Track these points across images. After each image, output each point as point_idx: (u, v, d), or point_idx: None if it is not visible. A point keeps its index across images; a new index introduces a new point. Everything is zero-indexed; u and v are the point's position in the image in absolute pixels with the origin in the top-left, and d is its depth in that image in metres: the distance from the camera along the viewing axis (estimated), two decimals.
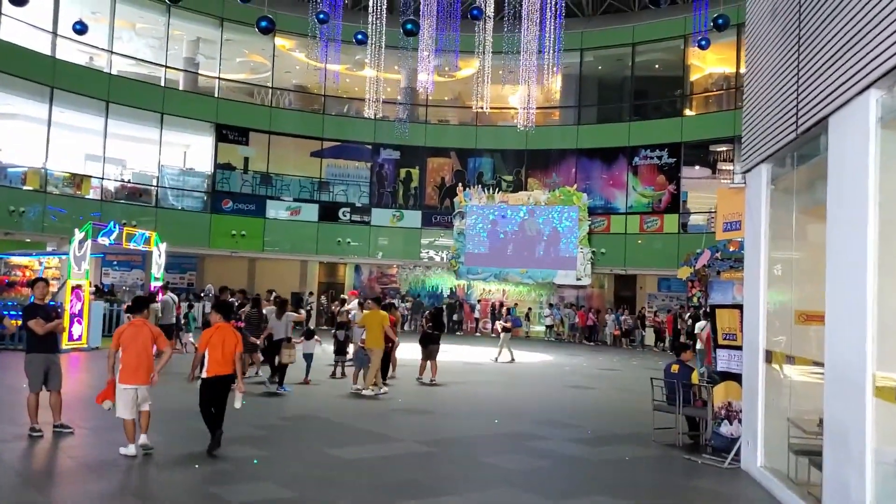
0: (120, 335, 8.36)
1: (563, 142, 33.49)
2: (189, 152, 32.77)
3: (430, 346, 16.09)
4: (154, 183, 30.03)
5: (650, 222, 31.58)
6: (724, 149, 30.90)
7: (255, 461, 8.07)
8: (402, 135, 32.40)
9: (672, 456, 9.40)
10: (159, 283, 20.93)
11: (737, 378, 9.04)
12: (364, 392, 13.55)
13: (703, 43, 22.95)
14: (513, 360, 21.20)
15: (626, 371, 20.59)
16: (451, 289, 35.17)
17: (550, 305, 32.98)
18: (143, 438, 8.31)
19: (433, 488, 7.42)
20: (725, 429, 9.09)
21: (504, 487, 7.46)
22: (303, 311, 20.53)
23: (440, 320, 16.71)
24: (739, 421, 8.87)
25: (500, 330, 22.41)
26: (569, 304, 33.22)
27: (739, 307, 9.05)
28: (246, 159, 32.44)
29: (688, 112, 32.04)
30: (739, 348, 9.00)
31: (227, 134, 31.36)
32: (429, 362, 16.10)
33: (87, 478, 7.32)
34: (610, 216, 32.44)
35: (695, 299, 29.40)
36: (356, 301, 18.55)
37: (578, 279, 32.10)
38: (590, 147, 33.06)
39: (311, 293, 32.99)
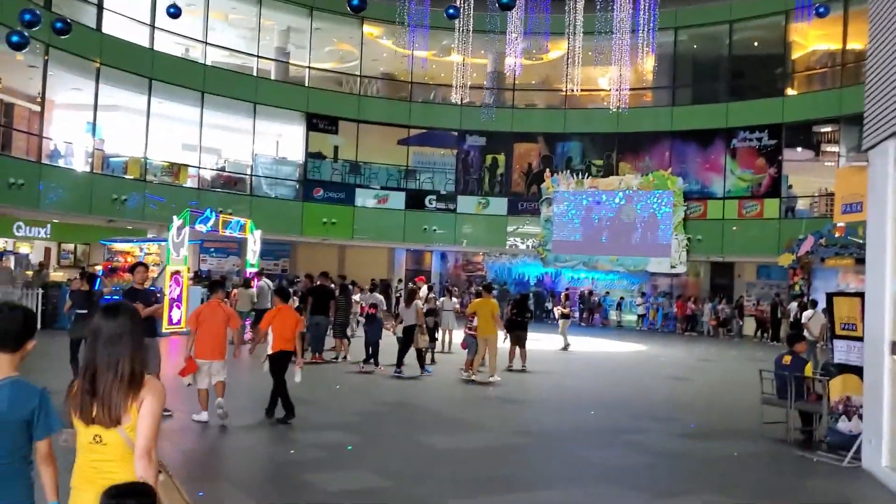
0: (197, 315, 9.18)
1: (657, 124, 32.41)
2: (281, 141, 33.28)
3: (517, 333, 15.82)
4: (248, 172, 30.64)
5: (749, 207, 30.29)
6: (829, 130, 29.35)
7: (350, 448, 7.97)
8: (488, 120, 32.02)
9: (783, 453, 8.84)
10: (254, 270, 21.30)
11: (856, 371, 8.39)
12: (492, 379, 13.63)
13: (822, 10, 21.53)
14: (566, 346, 20.56)
15: (725, 362, 19.80)
16: (537, 277, 34.72)
17: (643, 294, 32.10)
18: (219, 402, 8.96)
19: (531, 482, 7.14)
20: (843, 425, 8.47)
21: (605, 484, 7.12)
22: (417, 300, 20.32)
23: (525, 306, 16.38)
24: (860, 417, 8.24)
25: (558, 316, 21.81)
26: (662, 292, 32.26)
27: (861, 295, 8.37)
28: (335, 148, 32.75)
29: (789, 91, 30.53)
30: (860, 339, 8.34)
31: (317, 123, 31.67)
32: (518, 349, 15.85)
33: (184, 464, 7.35)
34: (706, 201, 31.26)
35: (797, 287, 28.32)
36: (425, 287, 18.54)
37: (673, 267, 31.09)
38: (685, 129, 31.88)
39: (399, 280, 33.10)
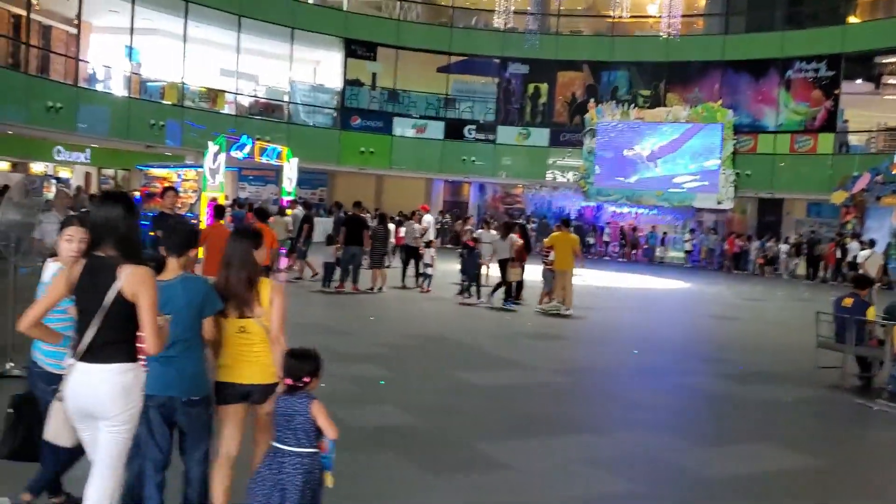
0: (205, 236, 9.00)
1: (708, 53, 31.06)
2: (319, 68, 32.69)
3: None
4: (285, 99, 30.17)
5: (802, 142, 29.11)
6: (892, 60, 27.81)
7: (382, 382, 7.69)
8: (531, 47, 30.92)
9: (840, 400, 8.37)
10: (290, 198, 21.02)
11: None
12: (563, 311, 13.65)
13: None
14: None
15: (772, 302, 19.20)
16: (578, 211, 34.01)
17: (692, 230, 31.25)
18: None
19: (571, 423, 6.80)
20: None
21: (649, 429, 6.72)
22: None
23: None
24: None
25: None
26: (710, 228, 31.35)
27: None
28: (374, 75, 32.03)
29: (851, 19, 28.88)
30: None
31: (355, 49, 30.94)
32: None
33: None
34: (757, 135, 30.10)
35: (849, 226, 27.30)
36: (429, 216, 18.15)
37: (719, 202, 30.18)
38: (737, 59, 30.50)
39: (440, 212, 32.63)
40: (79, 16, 23.23)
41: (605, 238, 32.58)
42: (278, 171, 23.54)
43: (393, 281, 16.01)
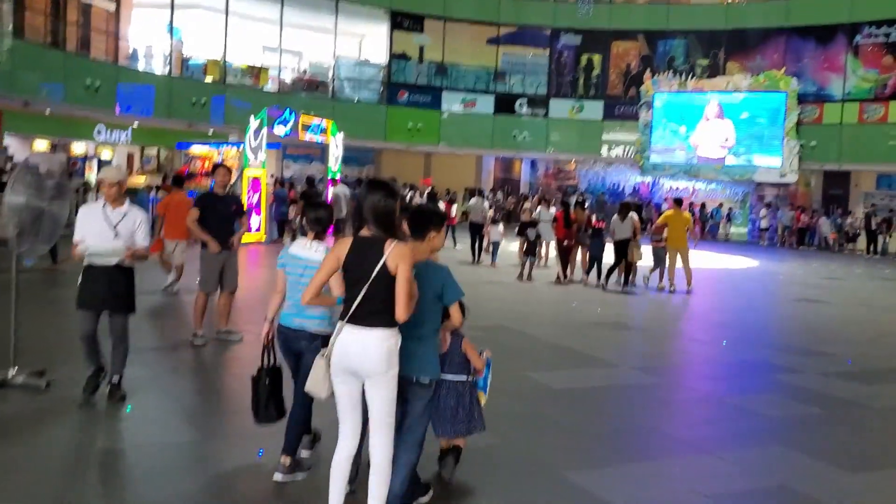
0: (165, 204, 10.96)
1: (770, 19, 29.36)
2: (364, 42, 31.72)
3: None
4: (330, 75, 29.28)
5: (872, 111, 27.40)
6: None
7: None
8: (584, 17, 29.54)
9: None
10: (337, 176, 20.21)
11: None
12: (688, 288, 13.85)
13: None
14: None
15: (853, 281, 17.81)
16: (633, 186, 32.68)
17: (768, 205, 29.67)
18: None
19: (671, 439, 5.74)
20: None
21: (768, 445, 5.60)
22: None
23: (641, 217, 14.79)
24: None
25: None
26: (785, 203, 29.75)
27: None
28: (421, 48, 30.95)
29: None
30: None
31: (401, 21, 29.91)
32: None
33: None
34: (823, 104, 28.45)
35: None
36: (429, 189, 17.35)
37: (783, 175, 28.64)
38: (801, 25, 28.81)
39: (491, 191, 31.57)
40: None
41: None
42: (323, 148, 22.72)
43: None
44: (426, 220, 4.07)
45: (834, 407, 6.73)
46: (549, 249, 16.45)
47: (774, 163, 28.47)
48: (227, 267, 8.10)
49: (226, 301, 8.21)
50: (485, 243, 16.94)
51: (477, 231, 17.01)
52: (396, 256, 3.65)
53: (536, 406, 6.27)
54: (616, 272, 14.20)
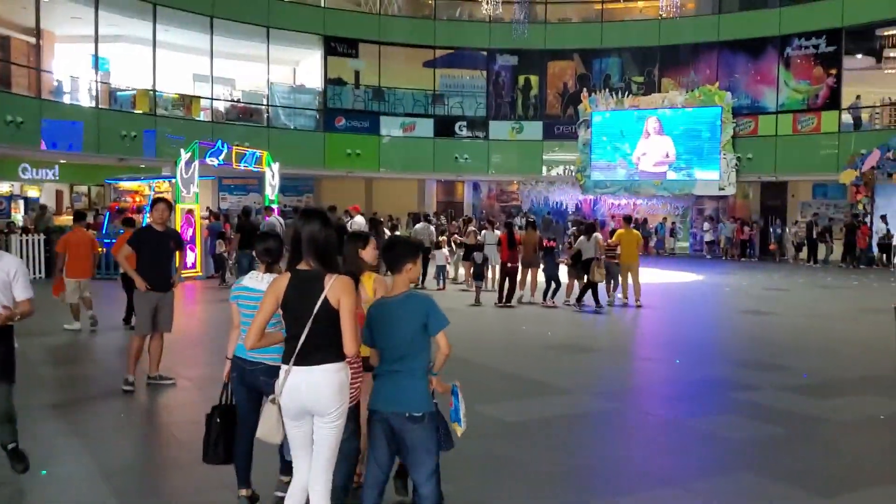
0: (65, 241, 10.55)
1: (701, 34, 29.80)
2: (298, 69, 31.29)
3: (580, 265, 14.14)
4: (264, 102, 28.72)
5: (805, 122, 27.91)
6: (893, 32, 26.61)
7: None
8: (519, 37, 29.59)
9: None
10: (275, 206, 19.65)
11: None
12: (637, 303, 14.27)
13: None
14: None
15: (799, 291, 17.88)
16: (576, 205, 32.71)
17: (711, 218, 29.95)
18: (90, 313, 10.83)
19: (640, 472, 5.38)
20: None
21: (740, 472, 5.28)
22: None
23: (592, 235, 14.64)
24: None
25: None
26: (729, 216, 30.07)
27: None
28: (357, 73, 30.61)
29: None
30: None
31: (335, 46, 29.52)
32: (577, 282, 14.21)
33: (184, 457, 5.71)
34: (757, 116, 28.89)
35: (860, 206, 26.13)
36: (360, 218, 17.19)
37: (721, 189, 28.94)
38: (733, 39, 29.28)
39: (434, 214, 31.26)
40: (37, 25, 21.69)
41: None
42: (260, 178, 22.12)
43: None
44: (403, 254, 3.98)
45: (797, 425, 6.47)
46: (495, 272, 16.19)
47: (713, 176, 28.78)
48: (162, 307, 7.59)
49: (157, 344, 7.67)
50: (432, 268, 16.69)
51: (424, 256, 16.76)
52: (338, 290, 3.57)
53: (490, 445, 5.84)
54: (564, 289, 14.26)
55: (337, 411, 3.59)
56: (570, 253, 14.22)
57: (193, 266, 16.87)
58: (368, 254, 4.68)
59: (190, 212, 16.91)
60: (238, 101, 28.72)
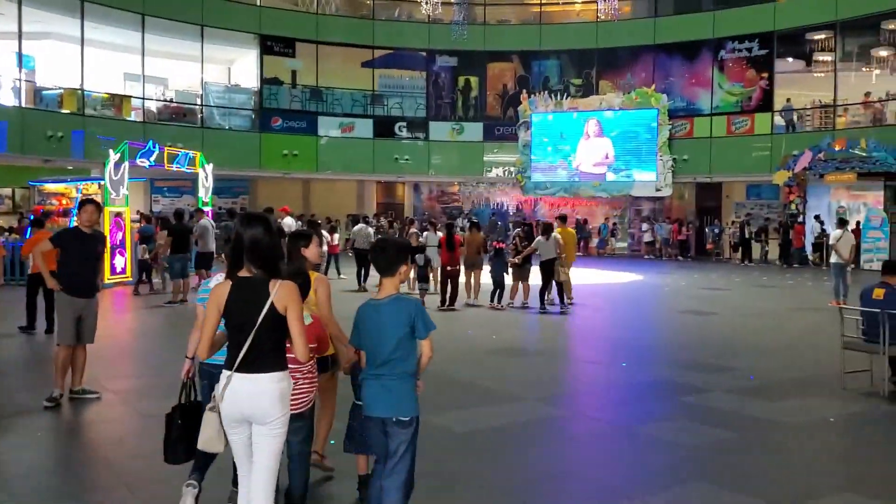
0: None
1: (638, 37, 30.19)
2: (233, 68, 30.59)
3: (525, 267, 14.19)
4: (198, 102, 27.95)
5: (739, 123, 28.46)
6: (823, 37, 27.32)
7: (332, 441, 5.95)
8: (458, 38, 29.48)
9: (886, 412, 7.04)
10: (209, 209, 19.06)
11: None
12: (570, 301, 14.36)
13: None
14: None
15: (736, 289, 18.12)
16: (516, 206, 32.74)
17: (648, 219, 30.24)
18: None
19: (599, 484, 5.18)
20: None
21: (703, 482, 5.10)
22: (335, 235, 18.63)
23: (532, 237, 14.61)
24: None
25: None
26: (666, 217, 30.44)
27: None
28: (293, 73, 30.06)
29: None
30: None
31: (272, 46, 28.95)
32: (521, 284, 14.12)
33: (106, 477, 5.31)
34: (693, 119, 29.37)
35: (793, 206, 26.75)
36: (289, 219, 16.99)
37: (658, 190, 29.34)
38: (668, 42, 29.73)
39: (374, 216, 30.90)
40: None
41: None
42: (194, 180, 21.45)
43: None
44: (397, 257, 3.95)
45: (748, 429, 6.39)
46: (437, 274, 15.97)
47: (650, 177, 29.12)
48: (86, 316, 7.13)
49: (81, 354, 7.20)
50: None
51: (363, 258, 16.51)
52: (284, 297, 3.50)
53: (440, 458, 5.57)
54: (508, 291, 14.13)
55: (278, 420, 3.50)
56: (527, 253, 13.95)
57: (123, 271, 16.18)
58: (311, 252, 4.70)
59: (119, 215, 16.24)
60: (171, 100, 27.89)
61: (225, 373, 3.53)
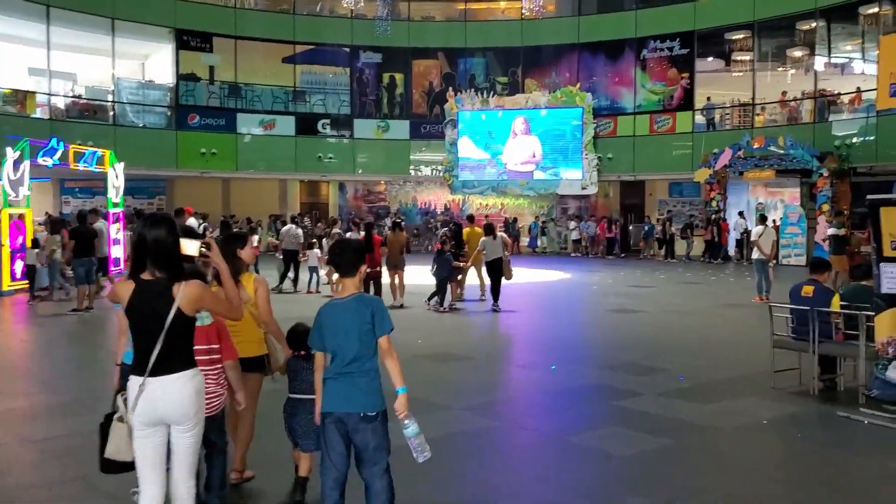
0: None
1: (562, 36, 30.25)
2: (148, 63, 29.35)
3: (455, 268, 13.91)
4: (110, 98, 26.70)
5: (661, 122, 28.77)
6: (741, 36, 27.86)
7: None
8: (382, 34, 28.98)
9: (819, 413, 6.90)
10: (119, 210, 18.12)
11: None
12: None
13: None
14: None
15: (661, 286, 18.16)
16: (444, 205, 32.43)
17: (577, 217, 30.23)
18: None
19: (539, 502, 4.84)
20: (895, 373, 6.54)
21: (641, 497, 4.80)
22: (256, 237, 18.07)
23: (461, 239, 14.34)
24: None
25: None
26: (591, 215, 30.52)
27: None
28: (211, 68, 29.02)
29: None
30: None
31: (188, 40, 27.89)
32: (450, 285, 13.82)
33: None
34: (617, 117, 29.57)
35: (714, 203, 27.18)
36: (192, 219, 16.59)
37: (584, 188, 29.44)
38: (592, 41, 29.87)
39: (299, 215, 30.10)
40: None
41: None
42: (107, 180, 20.37)
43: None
44: (356, 257, 4.02)
45: (684, 434, 6.13)
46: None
47: (576, 176, 29.19)
48: None
49: None
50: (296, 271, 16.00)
51: (292, 258, 16.30)
52: (193, 301, 3.49)
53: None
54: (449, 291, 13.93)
55: (195, 417, 3.52)
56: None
57: (24, 277, 15.14)
58: (247, 254, 4.90)
59: (21, 217, 15.20)
60: (80, 97, 26.57)
61: (136, 379, 3.45)
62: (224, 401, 4.32)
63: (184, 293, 3.44)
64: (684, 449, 5.79)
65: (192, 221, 16.06)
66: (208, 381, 4.11)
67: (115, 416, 3.52)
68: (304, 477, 4.74)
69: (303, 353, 4.66)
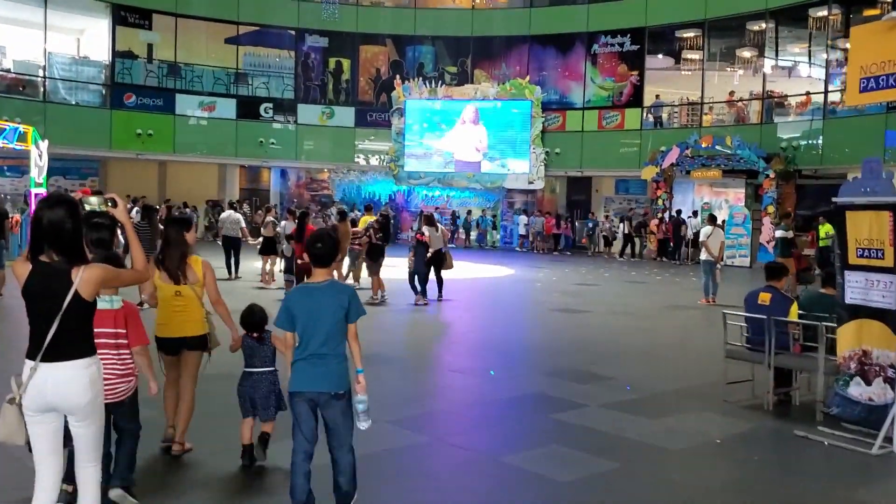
0: None
1: (513, 27, 29.81)
2: (83, 39, 28.01)
3: (379, 260, 13.39)
4: (41, 74, 25.34)
5: (609, 118, 28.51)
6: (692, 35, 27.72)
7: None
8: (330, 18, 28.10)
9: (775, 430, 6.44)
10: (41, 190, 17.00)
11: (884, 316, 5.99)
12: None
13: None
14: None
15: (606, 285, 17.80)
16: (389, 195, 31.71)
17: (525, 212, 29.77)
18: None
19: None
20: (857, 390, 6.09)
21: None
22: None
23: (388, 229, 13.82)
24: (890, 383, 5.90)
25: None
26: (538, 210, 30.09)
27: (893, 208, 5.85)
28: (150, 46, 27.82)
29: None
30: (891, 270, 5.90)
31: (126, 16, 26.69)
32: (374, 279, 13.29)
33: None
34: (565, 112, 29.22)
35: (660, 201, 27.03)
36: (93, 198, 15.67)
37: (531, 182, 29.05)
38: (543, 33, 29.45)
39: (237, 201, 29.10)
40: None
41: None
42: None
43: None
44: (334, 248, 4.17)
45: (630, 456, 5.59)
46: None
47: (524, 169, 28.77)
48: None
49: None
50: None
51: (232, 245, 15.76)
52: (93, 283, 3.40)
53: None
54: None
55: (88, 408, 3.40)
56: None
57: None
58: (191, 237, 5.21)
59: None
60: (8, 71, 25.17)
61: (28, 363, 3.35)
62: (132, 386, 4.26)
63: (83, 276, 3.34)
64: (631, 474, 5.25)
65: (94, 200, 15.09)
66: (114, 367, 4.09)
67: (7, 398, 3.36)
68: (249, 444, 5.08)
69: (255, 334, 5.07)
